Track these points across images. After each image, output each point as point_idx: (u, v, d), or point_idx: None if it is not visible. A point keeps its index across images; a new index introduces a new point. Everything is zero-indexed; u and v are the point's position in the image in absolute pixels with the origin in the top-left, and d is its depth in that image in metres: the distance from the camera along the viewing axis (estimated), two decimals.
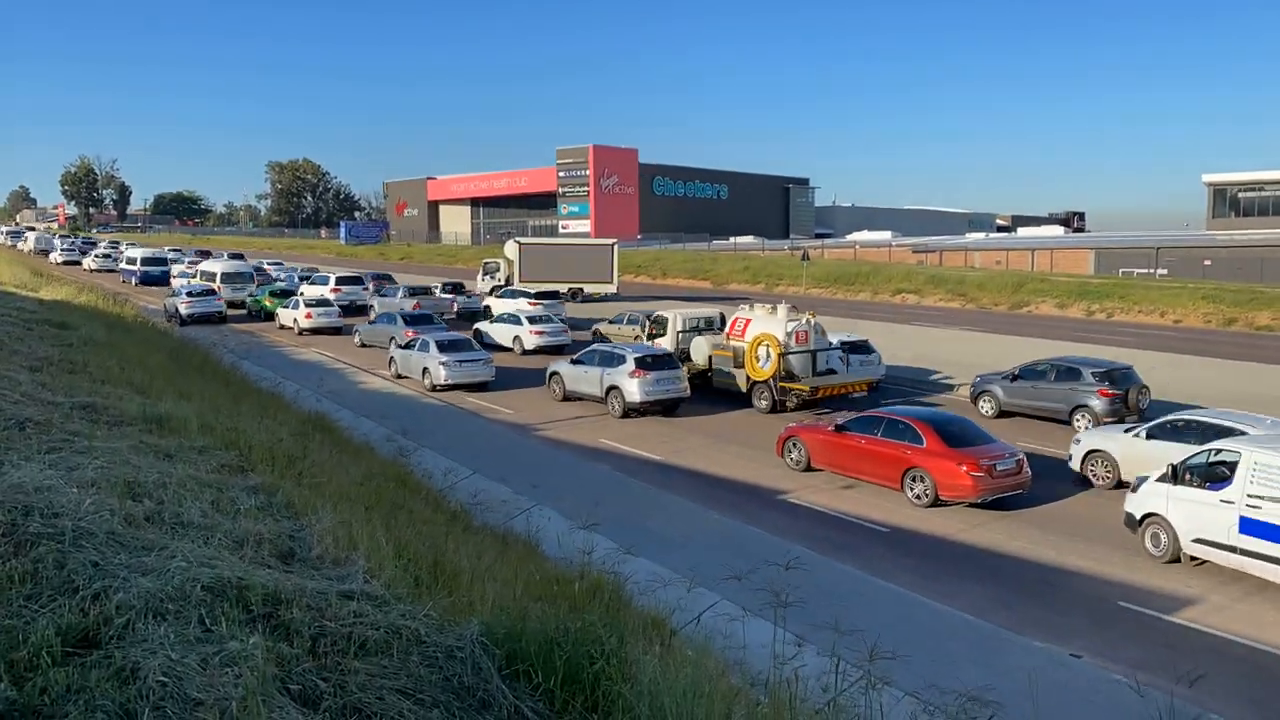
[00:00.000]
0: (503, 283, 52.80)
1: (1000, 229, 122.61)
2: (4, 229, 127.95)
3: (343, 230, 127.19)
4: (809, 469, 19.51)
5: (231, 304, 46.72)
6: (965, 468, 16.88)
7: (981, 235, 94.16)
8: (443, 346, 29.18)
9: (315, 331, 40.64)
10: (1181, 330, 43.89)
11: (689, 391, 25.71)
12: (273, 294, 47.76)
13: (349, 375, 31.19)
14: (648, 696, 5.05)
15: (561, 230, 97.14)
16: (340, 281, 50.19)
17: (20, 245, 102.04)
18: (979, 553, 15.53)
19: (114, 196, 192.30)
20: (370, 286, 50.07)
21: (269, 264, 67.08)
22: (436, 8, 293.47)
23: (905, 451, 17.67)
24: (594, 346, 28.08)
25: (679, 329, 29.42)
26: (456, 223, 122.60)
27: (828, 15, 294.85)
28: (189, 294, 44.78)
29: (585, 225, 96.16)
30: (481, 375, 28.92)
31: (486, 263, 56.13)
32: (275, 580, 5.77)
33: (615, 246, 54.66)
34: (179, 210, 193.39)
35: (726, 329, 27.63)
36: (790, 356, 25.55)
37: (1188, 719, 4.67)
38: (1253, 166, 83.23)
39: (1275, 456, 13.25)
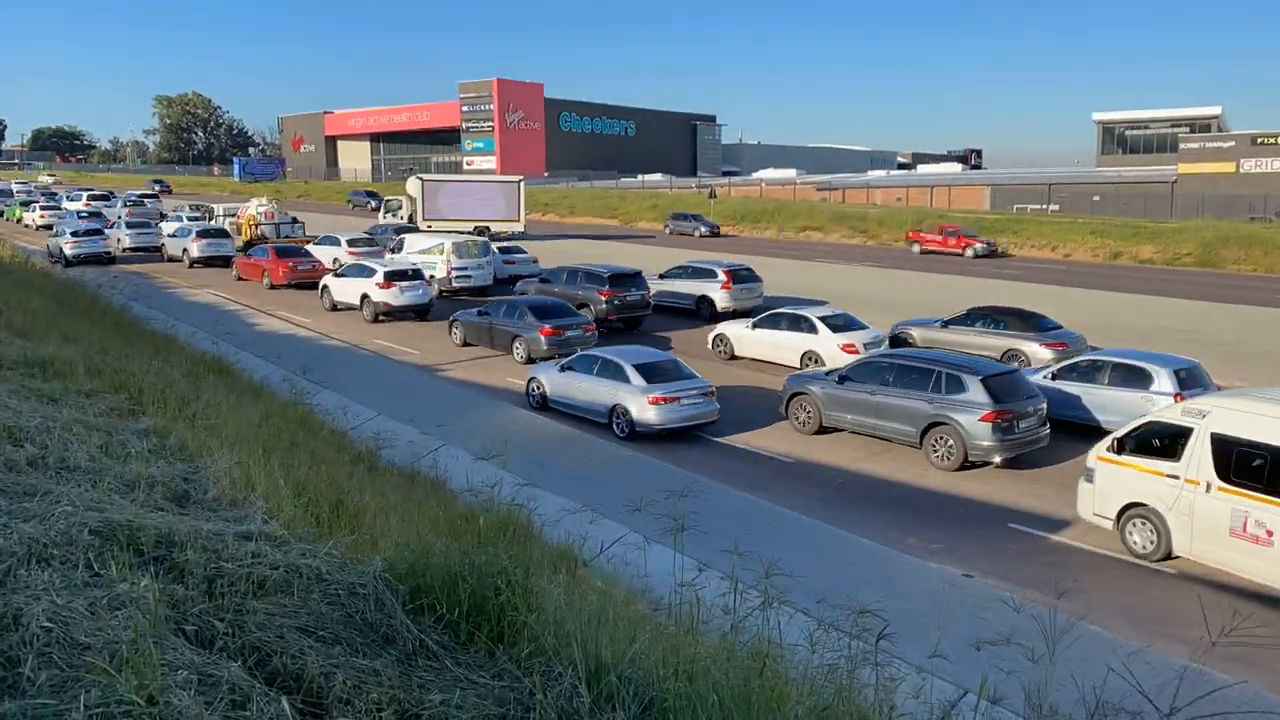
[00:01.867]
0: (405, 220, 51.70)
1: (901, 166, 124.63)
2: None
3: (236, 167, 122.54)
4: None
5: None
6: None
7: (883, 173, 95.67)
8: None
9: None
10: (1071, 264, 45.59)
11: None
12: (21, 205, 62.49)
13: (245, 316, 30.28)
14: (553, 625, 5.11)
15: (466, 167, 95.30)
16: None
17: None
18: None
19: None
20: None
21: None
22: None
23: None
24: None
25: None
26: (356, 159, 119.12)
27: None
28: (73, 233, 42.65)
29: (490, 162, 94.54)
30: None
31: (388, 200, 54.79)
32: (168, 523, 5.62)
33: (522, 184, 53.81)
34: (59, 146, 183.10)
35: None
36: (262, 228, 44.90)
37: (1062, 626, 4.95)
38: (1140, 106, 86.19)
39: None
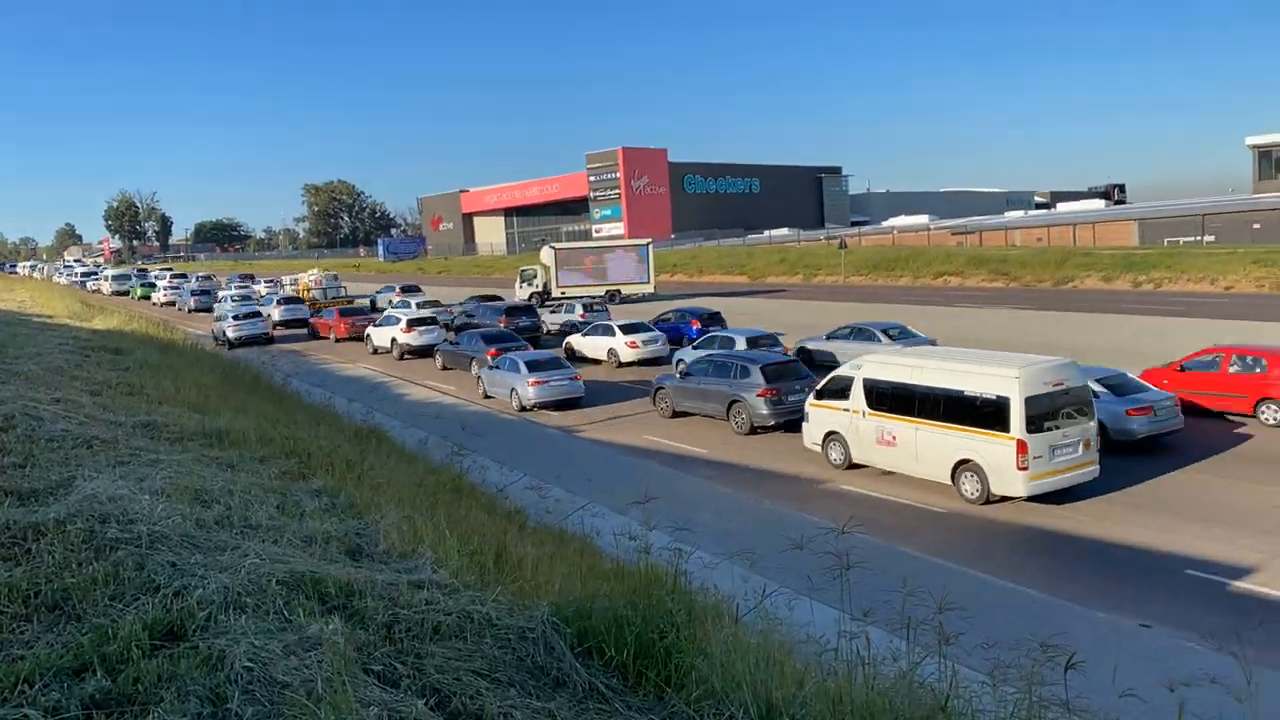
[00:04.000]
0: (540, 289, 53.15)
1: (1039, 206, 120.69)
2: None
3: (380, 247, 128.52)
4: None
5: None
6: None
7: (1020, 213, 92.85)
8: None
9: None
10: (1233, 296, 43.01)
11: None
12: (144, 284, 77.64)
13: (395, 388, 31.57)
14: (720, 668, 5.08)
15: (595, 234, 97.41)
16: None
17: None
18: None
19: (156, 228, 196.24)
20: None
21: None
22: (463, 22, 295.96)
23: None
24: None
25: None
26: (491, 233, 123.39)
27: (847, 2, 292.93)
28: (234, 317, 45.59)
29: (619, 228, 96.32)
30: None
31: (524, 270, 56.46)
32: (347, 573, 5.89)
33: (650, 246, 54.69)
34: (219, 238, 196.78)
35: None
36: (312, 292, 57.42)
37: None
38: None
39: None
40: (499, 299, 46.87)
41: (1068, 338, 31.08)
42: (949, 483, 16.94)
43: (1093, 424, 16.76)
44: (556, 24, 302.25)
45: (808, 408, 19.85)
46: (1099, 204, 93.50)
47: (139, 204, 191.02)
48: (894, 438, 17.76)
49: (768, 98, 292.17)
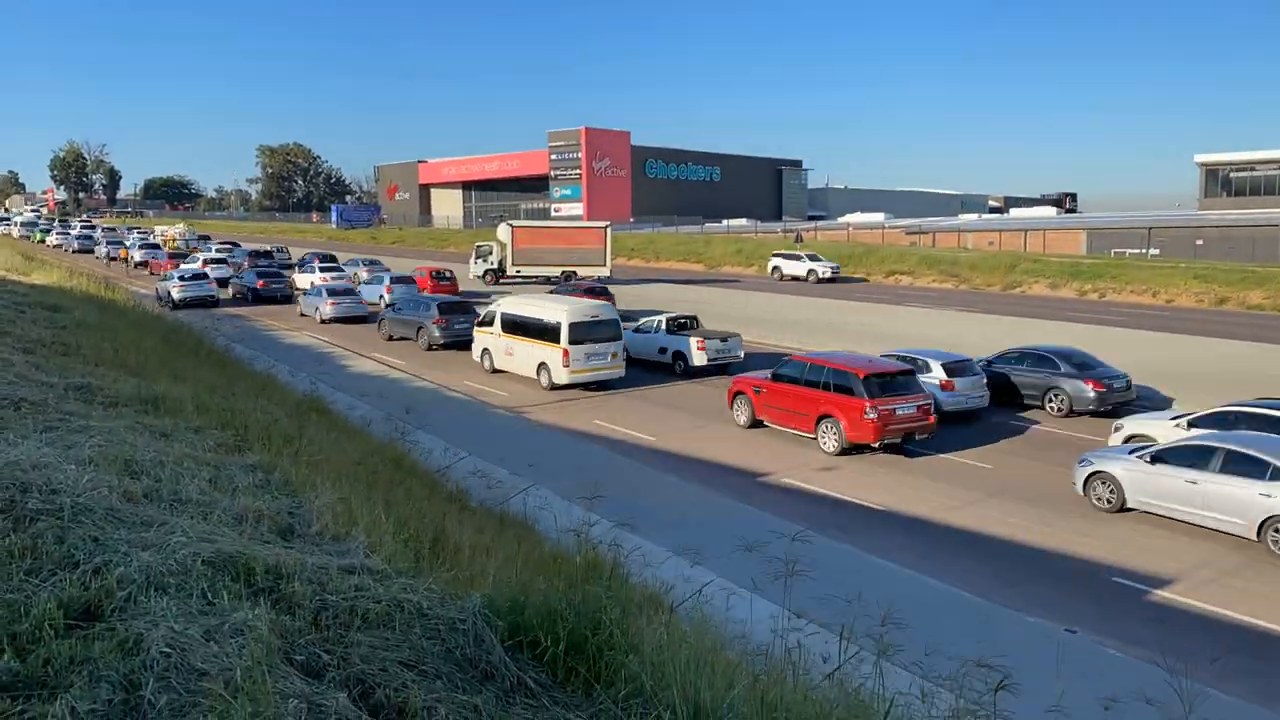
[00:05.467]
0: (496, 266, 52.73)
1: (993, 210, 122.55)
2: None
3: (334, 214, 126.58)
4: None
5: None
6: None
7: (974, 216, 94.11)
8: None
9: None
10: (1173, 310, 44.02)
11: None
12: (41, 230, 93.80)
13: (339, 358, 31.14)
14: (651, 666, 5.06)
15: (554, 213, 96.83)
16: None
17: (5, 230, 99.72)
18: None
19: (104, 181, 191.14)
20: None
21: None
22: None
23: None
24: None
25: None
26: (448, 206, 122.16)
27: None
28: (181, 278, 44.70)
29: (578, 208, 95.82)
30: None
31: (479, 246, 55.94)
32: (276, 555, 5.76)
33: (609, 229, 54.42)
34: (169, 195, 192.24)
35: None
36: (177, 242, 75.47)
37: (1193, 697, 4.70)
38: (1245, 146, 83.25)
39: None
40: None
41: (994, 338, 31.60)
42: (534, 376, 26.46)
43: (620, 343, 26.41)
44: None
45: (474, 334, 29.73)
46: (1051, 212, 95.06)
47: (86, 155, 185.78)
48: (512, 351, 27.62)
49: (731, 87, 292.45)
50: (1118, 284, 49.47)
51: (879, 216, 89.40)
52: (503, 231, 54.10)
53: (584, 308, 27.07)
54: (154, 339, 22.46)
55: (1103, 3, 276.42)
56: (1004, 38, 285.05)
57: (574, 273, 51.80)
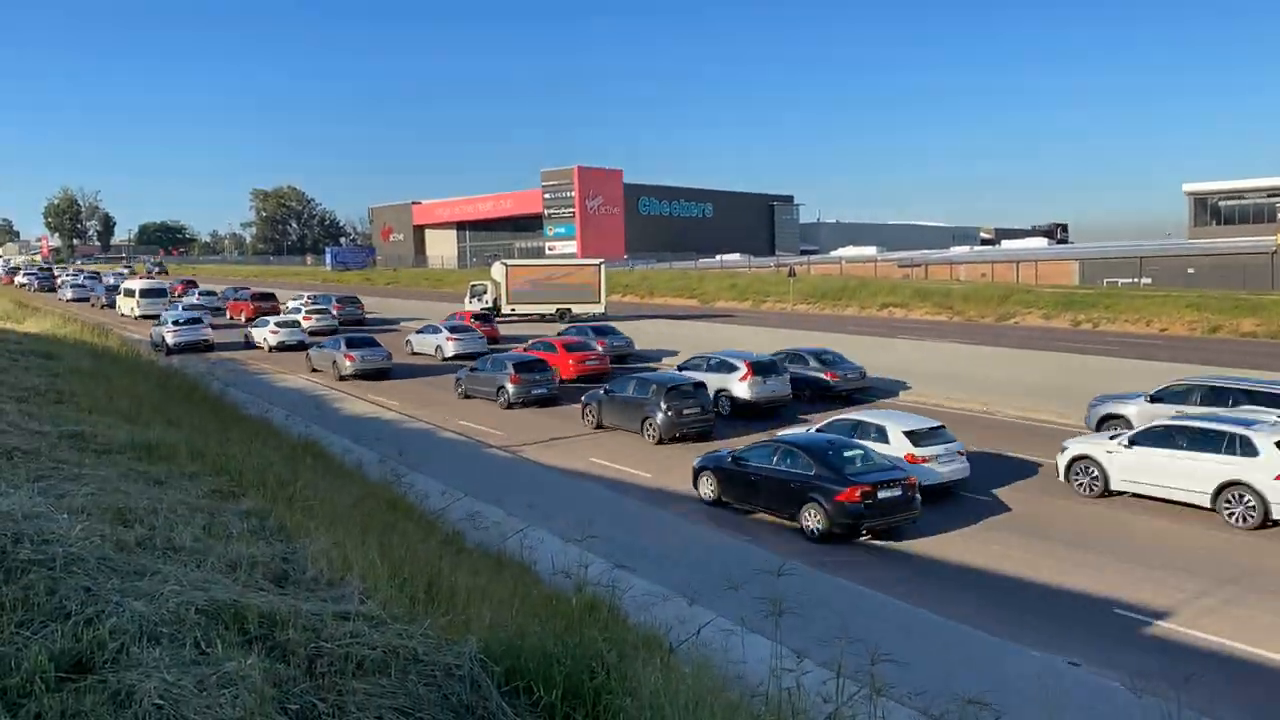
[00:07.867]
0: (490, 305, 52.87)
1: (984, 242, 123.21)
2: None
3: (328, 256, 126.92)
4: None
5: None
6: None
7: (966, 249, 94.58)
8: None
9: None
10: (1167, 339, 44.16)
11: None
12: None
13: (334, 401, 31.10)
14: (649, 710, 5.02)
15: (548, 251, 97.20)
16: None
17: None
18: None
19: (98, 228, 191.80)
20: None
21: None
22: (419, 33, 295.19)
23: None
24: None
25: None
26: (443, 246, 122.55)
27: (809, 34, 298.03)
28: (175, 323, 44.64)
29: (572, 246, 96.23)
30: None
31: (474, 285, 56.13)
32: (270, 602, 5.71)
33: (602, 266, 54.65)
34: (164, 240, 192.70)
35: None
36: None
37: None
38: (1233, 175, 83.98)
39: None
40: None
41: (998, 371, 31.63)
42: None
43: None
44: (519, 36, 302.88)
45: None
46: (1042, 242, 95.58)
47: (80, 202, 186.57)
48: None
49: (724, 124, 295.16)
50: (1111, 314, 49.64)
51: (871, 250, 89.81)
52: (497, 270, 54.35)
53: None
54: (148, 384, 22.43)
55: (1094, 33, 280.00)
56: (994, 70, 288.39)
57: (569, 310, 51.97)
